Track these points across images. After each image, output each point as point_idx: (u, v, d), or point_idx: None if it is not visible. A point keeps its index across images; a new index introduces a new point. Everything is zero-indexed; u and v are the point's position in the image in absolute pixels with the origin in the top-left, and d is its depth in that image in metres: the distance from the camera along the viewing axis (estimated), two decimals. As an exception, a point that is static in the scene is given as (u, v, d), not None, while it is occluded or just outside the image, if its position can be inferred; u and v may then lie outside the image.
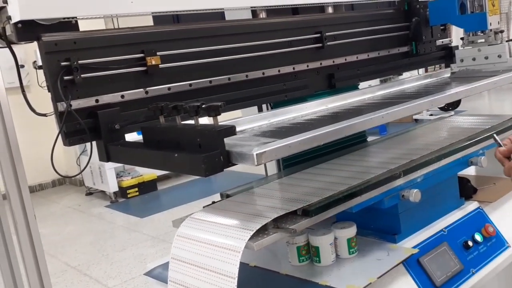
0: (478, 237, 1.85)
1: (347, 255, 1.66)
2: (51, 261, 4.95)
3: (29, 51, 6.21)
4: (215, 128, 1.31)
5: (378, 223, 1.78)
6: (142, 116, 1.62)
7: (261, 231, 1.37)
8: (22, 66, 6.87)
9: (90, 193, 7.39)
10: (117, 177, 6.84)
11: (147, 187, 7.00)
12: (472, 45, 2.47)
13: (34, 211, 1.62)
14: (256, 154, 1.25)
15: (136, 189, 6.91)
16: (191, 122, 1.40)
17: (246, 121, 1.91)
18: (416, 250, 1.66)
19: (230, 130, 1.31)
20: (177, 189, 7.04)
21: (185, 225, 1.51)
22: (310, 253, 1.66)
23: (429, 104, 1.76)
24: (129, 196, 6.85)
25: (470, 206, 1.98)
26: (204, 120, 1.41)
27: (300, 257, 1.66)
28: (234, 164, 1.30)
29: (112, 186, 6.76)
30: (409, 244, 1.72)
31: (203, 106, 1.35)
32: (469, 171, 2.21)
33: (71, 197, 7.54)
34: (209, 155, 1.24)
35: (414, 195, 1.67)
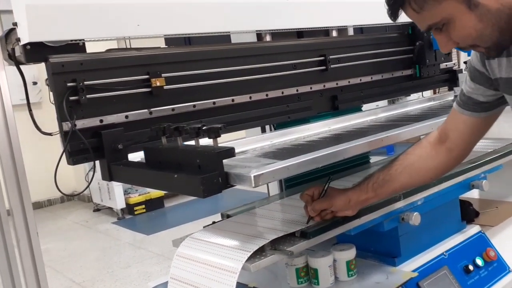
0: (479, 262, 1.85)
1: (346, 278, 1.67)
2: (56, 276, 4.97)
3: (42, 68, 6.17)
4: (214, 150, 1.33)
5: (378, 246, 1.78)
6: (145, 137, 1.64)
7: (259, 252, 1.38)
8: (35, 83, 6.98)
9: (97, 209, 7.42)
10: (124, 194, 6.87)
11: (154, 204, 7.02)
12: (475, 69, 2.48)
13: (36, 228, 1.65)
14: (254, 176, 1.27)
15: (143, 206, 6.93)
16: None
17: (248, 141, 1.93)
18: (415, 274, 1.66)
19: (229, 152, 1.33)
20: (184, 207, 7.05)
21: (185, 245, 1.53)
22: (309, 275, 1.67)
23: (429, 128, 1.77)
24: (136, 213, 6.87)
25: (472, 230, 1.98)
26: (206, 141, 1.44)
27: (298, 279, 1.66)
28: (232, 186, 1.32)
29: (119, 203, 6.78)
30: (408, 267, 1.72)
31: (204, 128, 1.38)
32: (472, 194, 2.21)
33: (79, 213, 7.57)
34: (207, 177, 1.26)
35: (414, 218, 1.68)
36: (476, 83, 1.39)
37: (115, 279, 4.75)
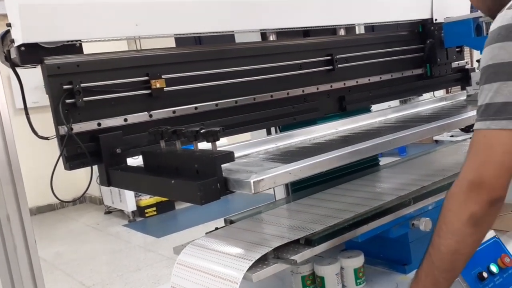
0: (493, 268, 1.76)
1: (354, 286, 1.60)
2: (66, 280, 4.96)
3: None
4: (212, 154, 1.28)
5: (387, 253, 1.71)
6: (144, 140, 1.59)
7: (261, 261, 1.32)
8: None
9: (109, 211, 7.43)
10: (135, 196, 6.86)
11: (165, 206, 6.99)
12: (488, 67, 2.40)
13: (34, 235, 1.60)
14: (253, 182, 1.20)
15: (154, 208, 6.91)
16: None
17: (253, 144, 1.87)
18: (427, 282, 1.59)
19: (228, 156, 1.27)
20: (195, 209, 6.99)
21: (185, 252, 1.48)
22: (316, 283, 1.60)
23: (439, 129, 1.70)
24: (147, 215, 6.85)
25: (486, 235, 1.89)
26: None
27: (304, 287, 1.59)
28: (232, 192, 1.26)
29: (130, 205, 6.77)
30: (419, 275, 1.64)
31: (202, 131, 1.32)
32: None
33: (91, 215, 7.58)
34: (205, 183, 1.21)
35: (425, 224, 1.61)
36: None
37: (125, 283, 4.72)
